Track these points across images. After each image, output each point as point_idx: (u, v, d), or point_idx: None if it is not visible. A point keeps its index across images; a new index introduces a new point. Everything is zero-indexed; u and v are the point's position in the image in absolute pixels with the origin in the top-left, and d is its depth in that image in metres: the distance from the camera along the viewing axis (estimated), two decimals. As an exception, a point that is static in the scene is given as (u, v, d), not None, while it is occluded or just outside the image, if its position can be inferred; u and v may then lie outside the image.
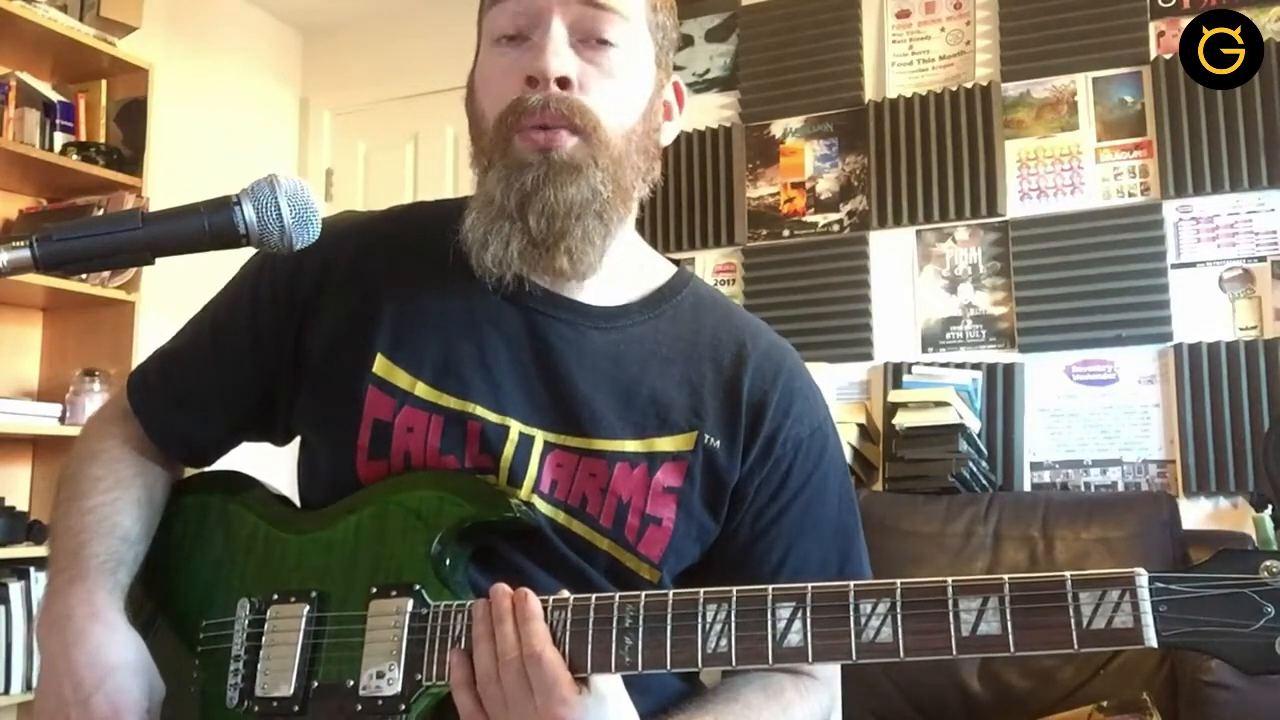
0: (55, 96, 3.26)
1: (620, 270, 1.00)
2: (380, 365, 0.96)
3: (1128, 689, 2.41)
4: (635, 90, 0.96)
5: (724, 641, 0.77)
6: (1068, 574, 0.71)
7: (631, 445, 0.94)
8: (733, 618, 0.77)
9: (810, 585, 0.77)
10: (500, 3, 0.94)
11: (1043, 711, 2.45)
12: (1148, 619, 0.69)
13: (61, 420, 3.13)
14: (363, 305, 0.98)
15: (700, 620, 0.77)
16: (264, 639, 0.91)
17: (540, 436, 0.94)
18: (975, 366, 3.16)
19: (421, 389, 0.95)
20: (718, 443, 0.96)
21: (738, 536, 0.98)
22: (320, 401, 0.99)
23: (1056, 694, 2.50)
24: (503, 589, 0.82)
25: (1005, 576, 0.73)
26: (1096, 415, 3.07)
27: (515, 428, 0.93)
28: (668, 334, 1.00)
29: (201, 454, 1.08)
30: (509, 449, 0.93)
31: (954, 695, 2.59)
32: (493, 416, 0.93)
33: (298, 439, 1.06)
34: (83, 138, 3.29)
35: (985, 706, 2.56)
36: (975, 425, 3.05)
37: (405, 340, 0.96)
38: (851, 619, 0.74)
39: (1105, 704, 2.38)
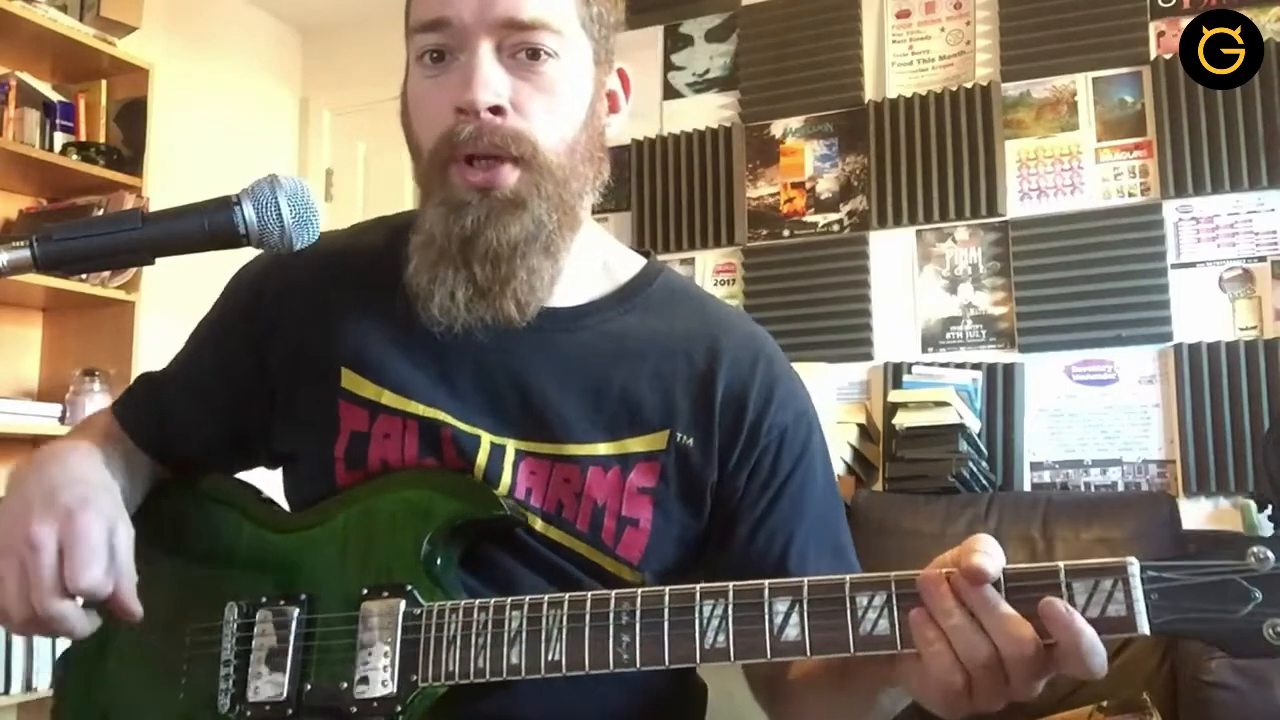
0: (55, 96, 3.26)
1: (582, 268, 0.99)
2: (347, 379, 0.96)
3: (1128, 689, 2.41)
4: (574, 100, 0.93)
5: (721, 637, 0.76)
6: (1061, 563, 0.71)
7: (603, 448, 0.94)
8: (730, 613, 0.77)
9: (806, 579, 0.76)
10: (423, 31, 0.91)
11: (1043, 711, 2.44)
12: (1140, 606, 0.69)
13: (61, 420, 3.13)
14: (325, 326, 0.98)
15: (697, 616, 0.77)
16: (254, 642, 0.90)
17: (511, 445, 0.93)
18: (975, 366, 3.16)
19: (389, 397, 0.95)
20: (691, 440, 0.95)
21: (737, 534, 0.97)
22: (295, 423, 1.00)
23: (1056, 694, 2.50)
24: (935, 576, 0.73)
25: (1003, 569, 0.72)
26: (1096, 415, 3.07)
27: (486, 438, 0.93)
28: (638, 329, 0.98)
29: (189, 465, 1.07)
30: (481, 458, 0.92)
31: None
32: (463, 426, 0.93)
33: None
34: (83, 138, 3.30)
35: (985, 706, 2.55)
36: (975, 425, 3.05)
37: (369, 356, 0.96)
38: (849, 612, 0.74)
39: (1105, 704, 2.37)
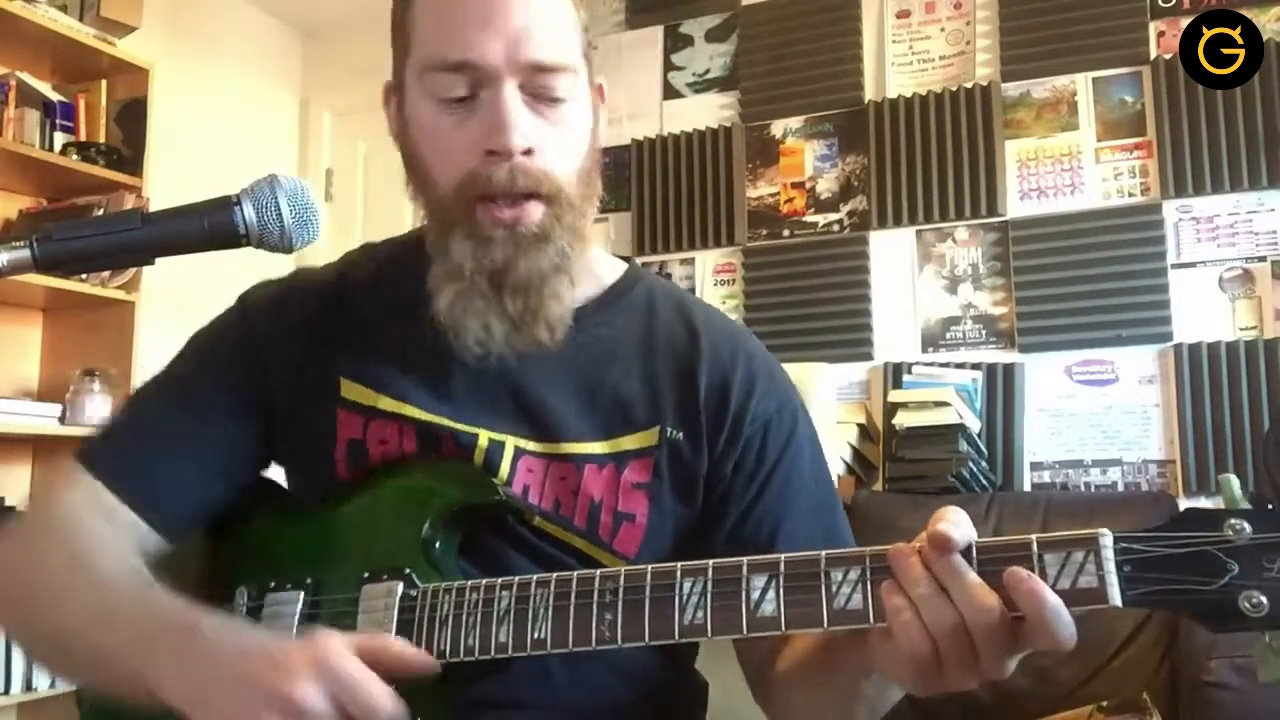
0: (55, 96, 3.26)
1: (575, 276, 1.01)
2: (345, 388, 0.99)
3: (1128, 689, 2.41)
4: (584, 131, 0.97)
5: (700, 613, 0.78)
6: (1033, 536, 0.71)
7: (598, 447, 0.97)
8: (709, 590, 0.78)
9: (783, 555, 0.77)
10: (445, 71, 0.90)
11: (1043, 711, 2.45)
12: (1112, 579, 0.68)
13: (61, 420, 3.13)
14: (325, 349, 1.00)
15: (677, 594, 0.79)
16: (261, 625, 0.92)
17: (510, 442, 0.96)
18: (975, 366, 3.16)
19: (385, 403, 0.97)
20: (680, 434, 0.98)
21: (725, 523, 0.99)
22: (296, 437, 1.01)
23: (1056, 694, 2.50)
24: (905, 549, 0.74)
25: (972, 540, 0.72)
26: (1096, 415, 3.07)
27: (484, 434, 0.96)
28: (624, 331, 1.02)
29: (190, 524, 1.01)
30: (479, 455, 0.95)
31: (953, 695, 2.59)
32: (461, 426, 0.96)
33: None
34: (83, 138, 3.29)
35: (985, 707, 2.56)
36: (975, 425, 3.05)
37: (368, 368, 0.99)
38: (823, 586, 0.75)
39: (1105, 704, 2.38)
